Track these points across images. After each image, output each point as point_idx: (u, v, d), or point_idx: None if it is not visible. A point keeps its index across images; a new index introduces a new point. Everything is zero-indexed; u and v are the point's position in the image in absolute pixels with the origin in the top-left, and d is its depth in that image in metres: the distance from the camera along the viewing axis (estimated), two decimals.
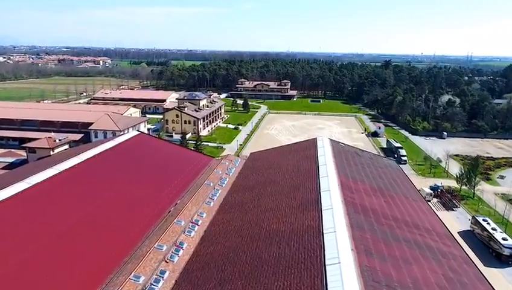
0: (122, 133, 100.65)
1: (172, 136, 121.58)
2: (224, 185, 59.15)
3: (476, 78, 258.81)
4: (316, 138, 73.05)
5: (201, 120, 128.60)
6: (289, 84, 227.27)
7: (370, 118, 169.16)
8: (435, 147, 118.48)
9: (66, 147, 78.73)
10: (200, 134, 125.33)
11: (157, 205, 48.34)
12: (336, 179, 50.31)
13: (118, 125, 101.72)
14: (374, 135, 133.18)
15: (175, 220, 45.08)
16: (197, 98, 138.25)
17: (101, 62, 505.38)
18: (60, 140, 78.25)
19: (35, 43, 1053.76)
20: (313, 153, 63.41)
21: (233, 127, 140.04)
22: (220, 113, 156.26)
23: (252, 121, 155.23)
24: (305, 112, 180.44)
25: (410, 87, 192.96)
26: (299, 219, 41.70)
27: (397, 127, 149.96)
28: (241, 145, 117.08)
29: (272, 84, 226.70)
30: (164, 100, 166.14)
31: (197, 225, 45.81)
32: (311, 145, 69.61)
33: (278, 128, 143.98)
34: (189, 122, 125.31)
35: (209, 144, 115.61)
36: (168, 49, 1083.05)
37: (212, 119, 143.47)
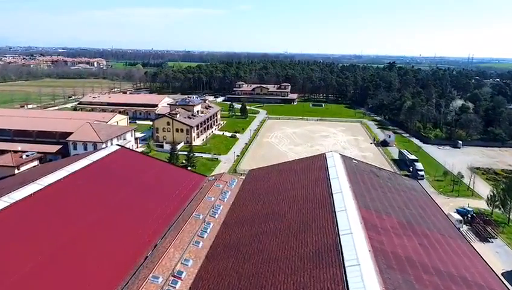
0: (104, 145, 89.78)
1: (162, 146, 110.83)
2: (217, 215, 48.57)
3: (485, 80, 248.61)
4: (325, 154, 62.61)
5: (195, 128, 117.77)
6: (289, 87, 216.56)
7: (377, 124, 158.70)
8: (451, 158, 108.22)
9: (35, 163, 67.77)
10: (194, 143, 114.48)
11: (130, 248, 37.58)
12: (356, 213, 39.75)
13: (99, 136, 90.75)
14: (384, 144, 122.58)
15: (150, 276, 34.40)
16: (190, 103, 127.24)
17: (95, 63, 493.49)
18: (27, 156, 67.20)
19: (34, 44, 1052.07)
20: (323, 175, 52.85)
21: (230, 135, 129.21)
22: (216, 120, 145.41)
23: (250, 127, 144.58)
24: (307, 117, 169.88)
25: (417, 91, 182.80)
26: (314, 278, 30.97)
27: (407, 135, 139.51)
28: (238, 156, 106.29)
29: (271, 88, 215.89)
30: (156, 105, 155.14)
31: (180, 279, 35.11)
32: (320, 163, 59.01)
33: (279, 136, 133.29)
34: (182, 131, 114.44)
35: (203, 155, 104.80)
36: (165, 50, 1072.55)
37: (207, 126, 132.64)
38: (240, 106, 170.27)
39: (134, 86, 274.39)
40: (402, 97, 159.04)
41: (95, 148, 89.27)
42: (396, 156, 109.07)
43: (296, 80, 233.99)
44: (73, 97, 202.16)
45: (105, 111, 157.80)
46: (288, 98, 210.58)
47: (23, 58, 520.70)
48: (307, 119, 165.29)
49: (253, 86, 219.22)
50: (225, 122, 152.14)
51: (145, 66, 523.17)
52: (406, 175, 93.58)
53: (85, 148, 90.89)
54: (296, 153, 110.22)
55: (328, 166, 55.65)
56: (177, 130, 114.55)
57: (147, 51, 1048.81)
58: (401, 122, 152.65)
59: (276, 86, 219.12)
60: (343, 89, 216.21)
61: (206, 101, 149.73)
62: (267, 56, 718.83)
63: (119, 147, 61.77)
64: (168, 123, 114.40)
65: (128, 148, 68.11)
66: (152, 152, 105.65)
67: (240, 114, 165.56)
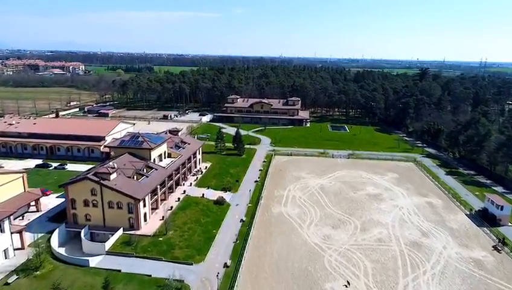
0: None
1: (79, 235, 56.44)
2: None
3: None
4: None
5: (147, 198, 63.01)
6: (299, 103, 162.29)
7: (440, 165, 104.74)
8: None
9: None
10: (142, 231, 59.84)
11: None
12: None
13: None
14: (487, 218, 68.57)
15: None
16: (144, 145, 72.77)
17: (70, 68, 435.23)
18: None
19: (27, 47, 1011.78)
20: None
21: (214, 198, 74.78)
22: (195, 163, 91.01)
23: (249, 176, 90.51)
24: (331, 150, 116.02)
25: (482, 111, 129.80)
26: None
27: (500, 188, 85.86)
28: (227, 268, 51.91)
29: (276, 103, 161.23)
30: (102, 138, 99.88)
31: None
32: None
33: (298, 197, 79.04)
34: (120, 207, 59.89)
35: (155, 265, 50.26)
36: (158, 54, 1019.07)
37: (176, 183, 78.28)
38: (233, 129, 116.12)
39: (103, 97, 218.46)
40: (477, 123, 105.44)
41: None
42: None
43: (306, 92, 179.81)
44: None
45: (25, 147, 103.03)
46: (298, 117, 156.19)
47: None
48: (332, 156, 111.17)
49: (251, 100, 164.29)
50: (210, 165, 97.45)
51: (129, 70, 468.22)
52: None
53: None
54: (339, 254, 55.89)
55: None
56: (110, 205, 59.81)
57: (139, 54, 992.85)
58: (475, 161, 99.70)
59: (281, 100, 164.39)
60: (371, 105, 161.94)
61: (179, 133, 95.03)
62: (263, 60, 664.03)
63: None
64: (94, 191, 59.66)
65: None
66: (47, 267, 50.59)
67: (232, 147, 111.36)
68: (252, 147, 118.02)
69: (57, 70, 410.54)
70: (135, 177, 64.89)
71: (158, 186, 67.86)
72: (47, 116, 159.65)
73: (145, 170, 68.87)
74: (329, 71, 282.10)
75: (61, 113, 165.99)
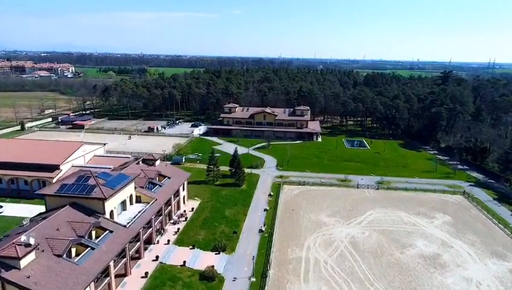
0: None
1: None
2: None
3: None
4: None
5: (89, 289, 39.37)
6: (308, 112, 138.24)
7: (497, 199, 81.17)
8: None
9: None
10: None
11: None
12: None
13: None
14: None
15: None
16: (95, 194, 48.44)
17: (59, 70, 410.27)
18: None
19: (24, 48, 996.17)
20: None
21: (201, 267, 50.86)
22: (177, 205, 66.99)
23: (249, 221, 66.49)
24: (354, 176, 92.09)
25: None
26: None
27: None
28: None
29: (281, 113, 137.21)
30: (56, 167, 75.58)
31: None
32: None
33: (322, 261, 55.00)
34: None
35: None
36: (155, 55, 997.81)
37: (147, 240, 54.35)
38: (230, 145, 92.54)
39: (83, 104, 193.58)
40: None
41: None
42: None
43: (315, 99, 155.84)
44: None
45: None
46: (307, 130, 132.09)
47: None
48: (357, 186, 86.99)
49: (252, 110, 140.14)
50: (198, 203, 73.35)
51: (122, 72, 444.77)
52: None
53: None
54: None
55: None
56: None
57: (136, 55, 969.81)
58: None
59: (287, 110, 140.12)
60: (393, 115, 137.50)
61: (157, 163, 70.65)
62: (263, 61, 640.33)
63: None
64: None
65: None
66: None
67: (229, 172, 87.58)
68: (253, 171, 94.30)
69: (43, 73, 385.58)
70: (71, 252, 40.72)
71: (112, 263, 43.73)
72: (10, 128, 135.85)
73: (92, 233, 44.80)
74: (336, 74, 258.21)
75: (28, 124, 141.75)
